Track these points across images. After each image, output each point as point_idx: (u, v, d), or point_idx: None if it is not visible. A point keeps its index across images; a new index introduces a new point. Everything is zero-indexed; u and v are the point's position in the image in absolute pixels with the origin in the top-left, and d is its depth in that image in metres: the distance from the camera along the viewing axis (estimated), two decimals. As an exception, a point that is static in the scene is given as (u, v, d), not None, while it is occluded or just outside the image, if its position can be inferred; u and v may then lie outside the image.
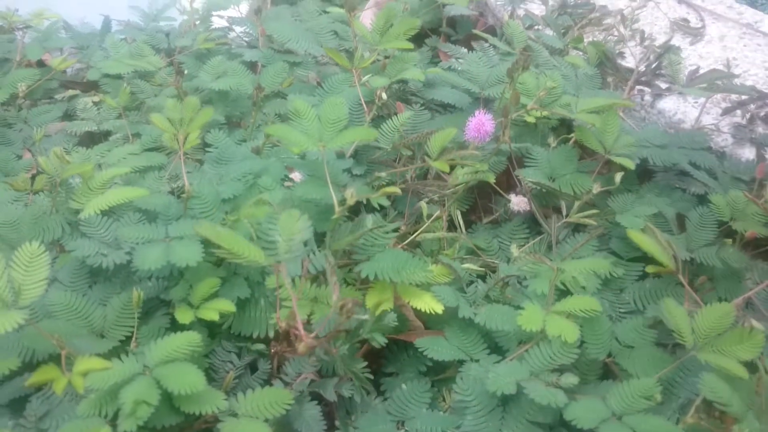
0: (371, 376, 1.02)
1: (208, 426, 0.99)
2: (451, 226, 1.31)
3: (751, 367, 1.05)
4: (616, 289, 1.24)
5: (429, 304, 1.07)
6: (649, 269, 1.10)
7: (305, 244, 1.00)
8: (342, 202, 1.06)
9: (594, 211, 1.26)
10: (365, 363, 1.02)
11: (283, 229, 0.91)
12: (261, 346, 1.09)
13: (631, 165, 1.30)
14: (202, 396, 0.96)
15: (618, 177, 1.30)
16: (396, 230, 1.14)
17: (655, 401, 0.96)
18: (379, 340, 1.00)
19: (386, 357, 1.14)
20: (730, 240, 1.25)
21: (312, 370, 1.05)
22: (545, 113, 1.46)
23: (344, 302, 0.85)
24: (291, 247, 0.90)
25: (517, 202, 1.32)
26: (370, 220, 1.03)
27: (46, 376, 0.94)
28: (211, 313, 1.06)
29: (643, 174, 1.47)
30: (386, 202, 1.19)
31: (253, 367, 1.10)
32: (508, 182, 1.45)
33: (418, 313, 1.14)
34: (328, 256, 1.02)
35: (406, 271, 1.08)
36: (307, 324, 1.06)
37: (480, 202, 1.49)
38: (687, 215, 1.30)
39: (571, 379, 0.98)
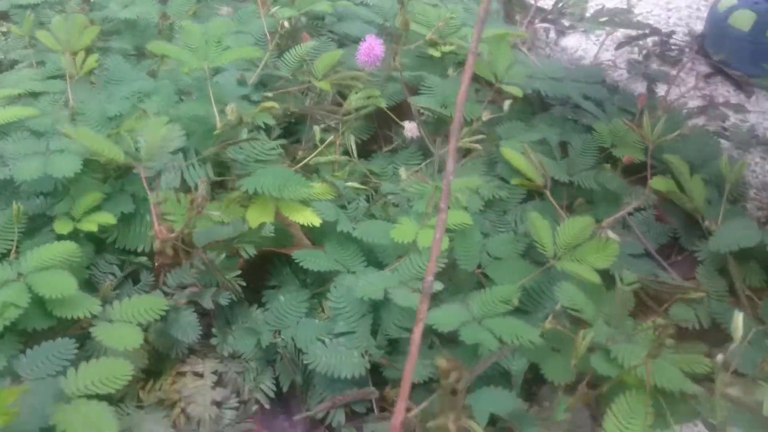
0: (243, 284, 1.05)
1: (83, 331, 1.01)
2: (348, 153, 1.34)
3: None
4: (499, 210, 1.28)
5: (308, 218, 1.11)
6: (514, 181, 1.15)
7: (183, 155, 1.02)
8: (222, 114, 1.08)
9: (480, 136, 1.30)
10: (239, 272, 1.05)
11: (148, 133, 0.92)
12: (143, 259, 1.12)
13: (519, 93, 1.34)
14: (76, 301, 0.99)
15: (506, 105, 1.34)
16: (279, 148, 1.16)
17: (513, 305, 1.01)
18: (249, 251, 1.03)
19: (270, 272, 1.17)
20: (609, 165, 1.31)
21: (192, 281, 1.08)
22: (451, 48, 1.49)
23: (195, 197, 0.87)
24: (155, 152, 0.92)
25: (410, 128, 1.35)
26: (245, 131, 1.05)
27: None
28: (91, 224, 1.07)
29: (543, 108, 1.52)
30: (270, 120, 1.21)
31: (136, 280, 1.12)
32: (406, 111, 1.47)
33: (306, 231, 1.17)
34: (205, 167, 1.04)
35: (287, 188, 1.10)
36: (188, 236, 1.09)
37: (381, 132, 1.52)
38: (571, 143, 1.35)
39: (436, 286, 1.03)
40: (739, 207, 1.34)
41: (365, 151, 1.50)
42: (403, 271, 1.06)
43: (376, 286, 1.02)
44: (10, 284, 0.97)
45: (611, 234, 1.03)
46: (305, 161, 1.31)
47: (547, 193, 1.12)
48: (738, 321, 0.91)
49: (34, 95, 1.38)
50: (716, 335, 1.12)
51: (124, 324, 1.00)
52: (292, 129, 1.47)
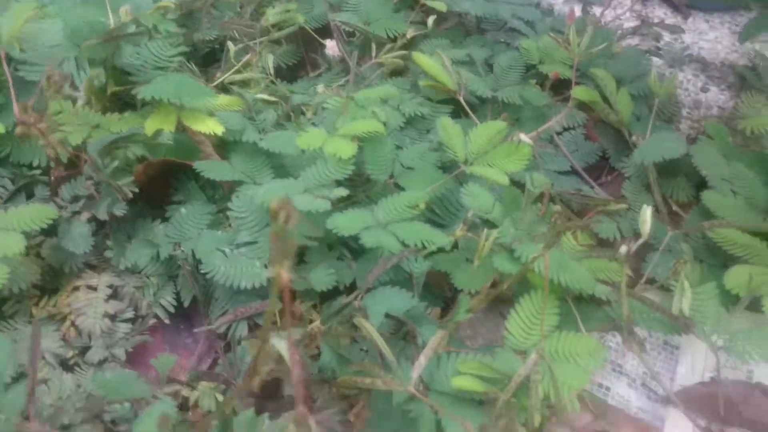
0: (135, 190, 0.99)
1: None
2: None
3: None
4: (422, 129, 1.23)
5: (210, 126, 1.05)
6: (423, 83, 1.10)
7: (75, 64, 0.96)
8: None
9: (402, 52, 1.25)
10: (131, 178, 0.99)
11: (14, 16, 0.86)
12: (36, 172, 1.06)
13: (442, 7, 1.29)
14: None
15: (430, 21, 1.29)
16: (182, 55, 1.10)
17: (419, 210, 0.96)
18: (135, 151, 0.97)
19: (176, 187, 1.12)
20: (534, 81, 1.26)
21: (87, 192, 1.02)
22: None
23: (51, 74, 0.81)
24: (26, 40, 0.86)
25: (331, 47, 1.29)
26: (133, 26, 0.99)
27: None
28: (-23, 133, 1.01)
29: (478, 33, 1.47)
30: (173, 27, 1.15)
31: (30, 195, 1.07)
32: (331, 33, 1.42)
33: (218, 147, 1.12)
34: (97, 71, 0.98)
35: (189, 96, 1.05)
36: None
37: (308, 57, 1.46)
38: (498, 61, 1.30)
39: (339, 192, 0.98)
40: (672, 127, 1.30)
41: (292, 77, 1.44)
42: (308, 179, 1.01)
43: (278, 193, 0.97)
44: None
45: (524, 137, 0.99)
46: (220, 80, 1.25)
47: (460, 98, 1.08)
48: (646, 214, 0.88)
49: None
50: (639, 248, 1.09)
51: (7, 231, 0.94)
52: (214, 55, 1.41)
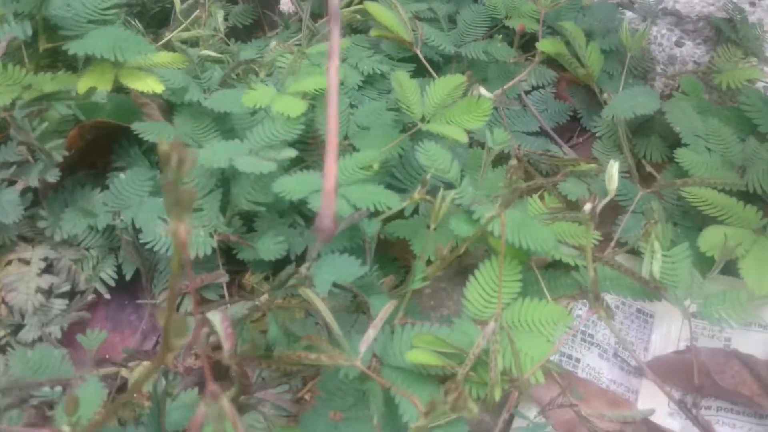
0: (65, 153, 0.92)
1: None
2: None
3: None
4: (382, 89, 1.16)
5: (150, 85, 0.97)
6: (374, 32, 1.03)
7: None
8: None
9: (360, 6, 1.17)
10: (60, 141, 0.91)
11: None
12: (-39, 136, 0.98)
13: (403, -43, 1.21)
14: None
15: (391, -28, 1.21)
16: (121, 8, 1.02)
17: (373, 171, 0.90)
18: (62, 111, 0.90)
19: (117, 153, 1.04)
20: (500, 36, 1.19)
21: (18, 158, 0.95)
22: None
23: None
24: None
25: (285, 2, 1.21)
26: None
27: None
28: None
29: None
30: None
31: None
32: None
33: (166, 114, 1.05)
34: (22, 25, 0.90)
35: (125, 51, 0.97)
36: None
37: (265, 17, 1.38)
38: (462, 16, 1.23)
39: (288, 153, 0.91)
40: (645, 83, 1.24)
41: (249, 37, 1.37)
42: (255, 140, 0.94)
43: (222, 155, 0.90)
44: None
45: (484, 91, 0.92)
46: (167, 39, 1.17)
47: (418, 51, 1.01)
48: (612, 170, 0.82)
49: None
50: (610, 211, 1.03)
51: None
52: (166, 15, 1.33)
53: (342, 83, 1.10)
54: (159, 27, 1.31)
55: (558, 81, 1.24)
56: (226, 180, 0.95)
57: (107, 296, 0.96)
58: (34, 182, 0.93)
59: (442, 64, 1.22)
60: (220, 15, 1.19)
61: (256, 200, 0.93)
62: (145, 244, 0.91)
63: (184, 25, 1.18)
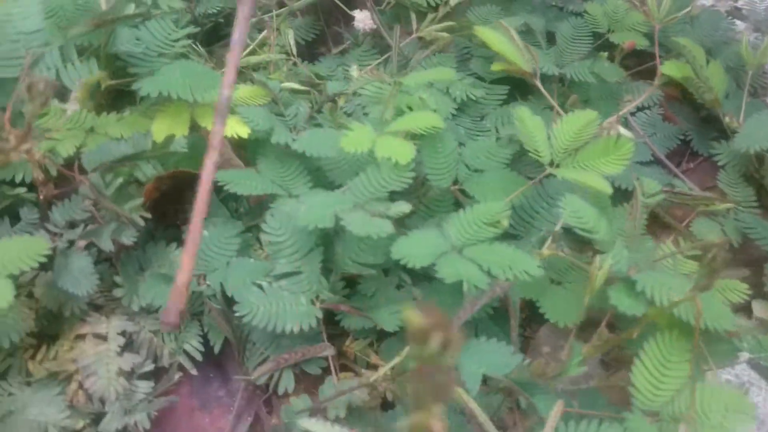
0: (147, 215, 0.80)
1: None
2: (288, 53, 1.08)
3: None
4: (475, 115, 1.04)
5: (232, 128, 0.85)
6: (495, 67, 0.90)
7: (60, 55, 0.76)
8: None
9: (450, 23, 1.05)
10: (139, 201, 0.79)
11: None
12: (21, 190, 0.86)
13: (492, -32, 1.08)
14: None
15: (479, -16, 1.08)
16: (190, 37, 0.89)
17: (502, 227, 0.78)
18: (146, 172, 0.78)
19: (191, 200, 0.92)
20: (605, 54, 1.07)
21: (84, 215, 0.83)
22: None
23: (35, 83, 0.61)
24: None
25: (362, 19, 1.09)
26: (132, 5, 0.78)
27: None
28: (-58, 148, 0.80)
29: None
30: (176, 3, 0.94)
31: (15, 218, 0.86)
32: (356, 2, 1.21)
33: (238, 148, 0.93)
34: (88, 63, 0.77)
35: (202, 88, 0.85)
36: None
37: (329, 32, 1.25)
38: (559, 30, 1.10)
39: (402, 207, 0.79)
40: (760, 100, 1.12)
41: (312, 54, 1.24)
42: (358, 191, 0.82)
43: (324, 210, 0.78)
44: None
45: (623, 130, 0.80)
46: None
47: (537, 83, 0.89)
48: None
49: None
50: (749, 253, 0.92)
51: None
52: (219, 31, 1.20)
53: (435, 111, 0.97)
54: (209, 43, 1.19)
55: (661, 100, 1.12)
56: (326, 237, 0.83)
57: (193, 371, 0.84)
58: (107, 246, 0.81)
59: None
60: (290, 34, 1.07)
61: (365, 262, 0.81)
62: (237, 314, 0.79)
63: (251, 47, 1.05)
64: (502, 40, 0.85)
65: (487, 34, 0.85)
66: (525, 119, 0.82)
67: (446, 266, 0.73)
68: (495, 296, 0.71)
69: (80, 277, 0.79)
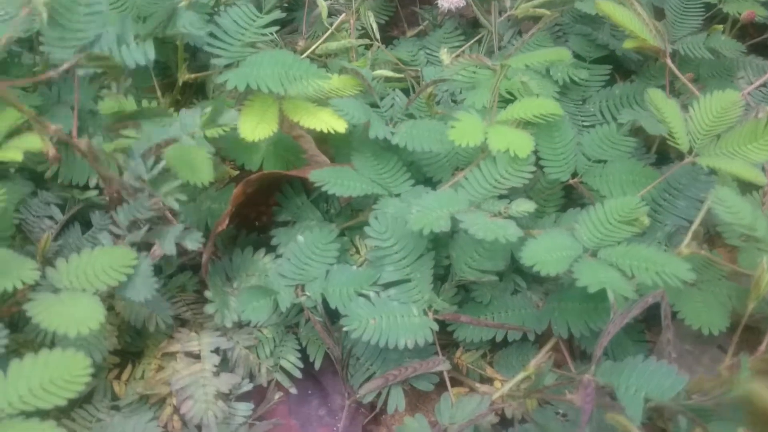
0: (183, 198, 0.71)
1: (16, 309, 0.69)
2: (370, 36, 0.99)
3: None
4: (577, 99, 0.95)
5: (327, 122, 0.77)
6: (628, 44, 0.81)
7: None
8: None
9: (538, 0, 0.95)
10: (178, 183, 0.70)
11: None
12: (92, 194, 0.78)
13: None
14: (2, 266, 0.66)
15: (576, -45, 0.98)
16: (275, 23, 0.81)
17: (641, 225, 0.69)
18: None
19: (281, 203, 0.84)
20: (721, 26, 0.97)
21: (149, 215, 0.74)
22: None
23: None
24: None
25: (448, -1, 0.99)
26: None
27: None
28: (13, 152, 0.73)
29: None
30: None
31: (86, 224, 0.79)
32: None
33: (322, 145, 0.85)
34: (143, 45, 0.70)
35: (293, 80, 0.76)
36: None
37: (402, 13, 1.16)
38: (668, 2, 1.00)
39: (525, 206, 0.71)
40: None
41: (384, 37, 1.15)
42: (473, 188, 0.74)
43: (439, 212, 0.70)
44: None
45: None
46: (311, 50, 0.96)
47: (668, 60, 0.79)
48: None
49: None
50: None
51: (74, 294, 0.67)
52: (288, 14, 1.12)
53: (537, 96, 0.88)
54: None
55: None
56: (436, 239, 0.75)
57: (292, 390, 0.77)
58: (170, 249, 0.72)
59: (641, 61, 1.00)
60: (371, 17, 0.98)
61: (483, 268, 0.72)
62: (344, 328, 0.71)
63: (329, 32, 0.97)
64: (629, 16, 0.76)
65: (611, 8, 0.76)
66: (659, 102, 0.73)
67: (585, 273, 0.64)
68: (647, 305, 0.63)
69: (137, 282, 0.70)
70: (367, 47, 1.02)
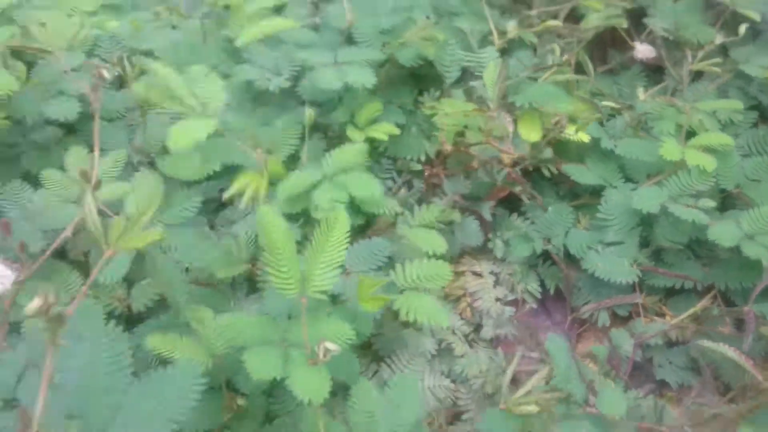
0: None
1: (381, 232, 1.11)
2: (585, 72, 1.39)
3: None
4: (732, 134, 1.32)
5: (578, 135, 1.18)
6: None
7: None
8: (502, 33, 1.15)
9: (718, 60, 1.33)
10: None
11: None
12: (418, 167, 1.21)
13: (756, 17, 1.36)
14: (378, 201, 1.09)
15: (742, 29, 1.36)
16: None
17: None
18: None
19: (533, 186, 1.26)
20: None
21: (465, 190, 1.17)
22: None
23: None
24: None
25: (643, 50, 1.38)
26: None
27: (244, 180, 1.05)
28: (378, 133, 1.16)
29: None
30: (533, 38, 1.27)
31: (408, 185, 1.22)
32: (618, 34, 1.50)
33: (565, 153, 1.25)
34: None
35: (551, 101, 1.17)
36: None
37: (595, 53, 1.56)
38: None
39: (709, 203, 1.10)
40: None
41: (578, 72, 1.55)
42: (672, 187, 1.13)
43: (652, 200, 1.10)
44: (324, 184, 1.07)
45: None
46: (543, 78, 1.36)
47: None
48: None
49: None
50: None
51: (424, 229, 1.09)
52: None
53: (707, 131, 1.27)
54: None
55: None
56: (643, 219, 1.15)
57: (533, 305, 1.18)
58: (487, 215, 1.15)
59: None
60: (587, 61, 1.38)
61: (675, 240, 1.12)
62: (584, 268, 1.12)
63: (556, 67, 1.37)
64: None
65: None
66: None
67: (748, 247, 1.04)
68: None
69: (472, 235, 1.14)
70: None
